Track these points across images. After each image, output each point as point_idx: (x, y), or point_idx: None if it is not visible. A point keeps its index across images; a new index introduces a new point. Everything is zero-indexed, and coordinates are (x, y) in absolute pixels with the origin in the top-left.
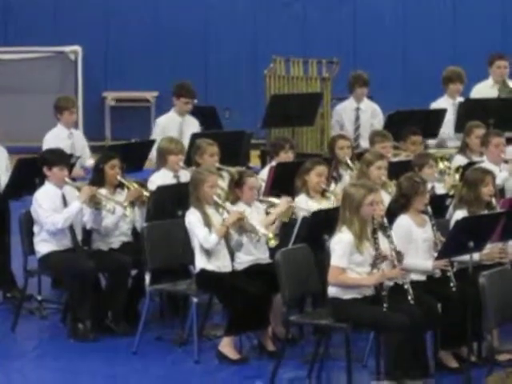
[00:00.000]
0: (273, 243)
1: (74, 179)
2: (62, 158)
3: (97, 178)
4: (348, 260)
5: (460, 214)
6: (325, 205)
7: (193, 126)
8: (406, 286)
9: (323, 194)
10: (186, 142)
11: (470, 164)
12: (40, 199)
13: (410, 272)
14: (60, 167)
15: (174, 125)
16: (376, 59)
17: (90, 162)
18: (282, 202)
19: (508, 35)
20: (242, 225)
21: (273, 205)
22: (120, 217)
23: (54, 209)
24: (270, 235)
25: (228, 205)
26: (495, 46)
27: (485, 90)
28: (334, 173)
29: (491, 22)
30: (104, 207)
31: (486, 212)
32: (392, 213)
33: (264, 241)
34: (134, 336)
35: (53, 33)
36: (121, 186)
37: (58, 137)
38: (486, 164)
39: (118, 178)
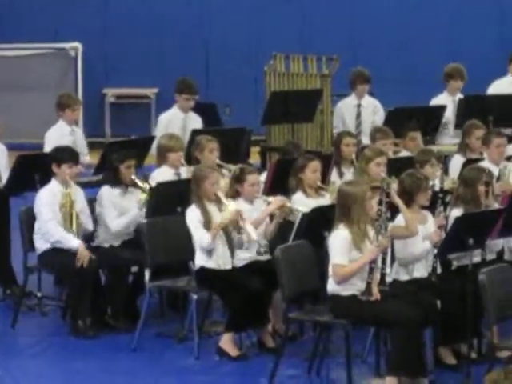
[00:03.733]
0: (262, 253)
1: None
2: (71, 156)
3: (111, 176)
4: (347, 257)
5: (456, 212)
6: (322, 202)
7: (196, 122)
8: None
9: (318, 190)
10: (187, 139)
11: (469, 162)
12: (44, 197)
13: (410, 264)
14: (69, 164)
15: (177, 121)
16: (375, 56)
17: (86, 158)
18: (274, 201)
19: (505, 32)
20: (238, 224)
21: (269, 203)
22: (135, 218)
23: (54, 209)
24: (261, 249)
25: (229, 201)
26: (493, 43)
27: (504, 86)
28: (336, 169)
29: (489, 18)
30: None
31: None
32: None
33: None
34: (134, 332)
35: (53, 29)
36: (134, 185)
37: (61, 133)
38: (486, 163)
39: (133, 177)
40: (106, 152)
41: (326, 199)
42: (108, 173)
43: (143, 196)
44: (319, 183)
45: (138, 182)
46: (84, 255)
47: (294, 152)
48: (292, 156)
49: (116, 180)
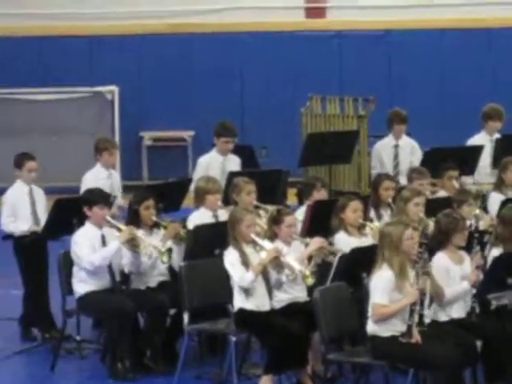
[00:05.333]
0: (310, 281)
1: (112, 217)
2: (102, 198)
3: (132, 219)
4: (388, 298)
5: (496, 251)
6: (364, 241)
7: (234, 164)
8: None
9: (361, 229)
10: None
11: (508, 200)
12: (79, 240)
13: (450, 305)
14: (100, 206)
15: (216, 164)
16: (411, 96)
17: (120, 201)
18: (312, 242)
19: None
20: (278, 262)
21: (307, 244)
22: (157, 259)
23: (92, 248)
24: (307, 272)
25: (266, 242)
26: None
27: None
28: (374, 211)
29: None
30: (142, 250)
31: None
32: (429, 250)
33: (301, 279)
34: (173, 375)
35: (89, 73)
36: (157, 226)
37: (98, 177)
38: None
39: (153, 218)
40: None
41: (368, 239)
42: (129, 216)
43: (167, 233)
44: (361, 221)
45: (159, 221)
46: (130, 230)
47: (316, 183)
48: (315, 188)
49: (136, 222)
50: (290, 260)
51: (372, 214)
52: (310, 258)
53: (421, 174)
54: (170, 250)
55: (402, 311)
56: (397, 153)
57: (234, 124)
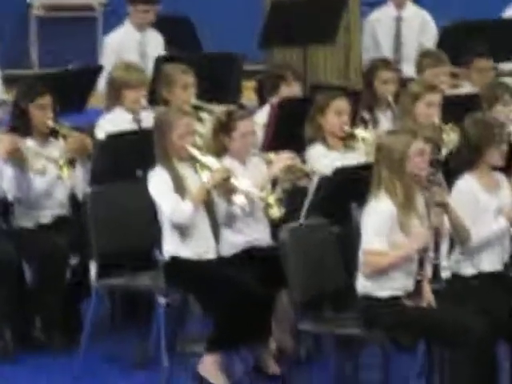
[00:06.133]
0: (275, 213)
1: None
2: None
3: (18, 122)
4: (387, 240)
5: None
6: (351, 158)
7: (158, 44)
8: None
9: (347, 141)
10: (149, 68)
11: None
12: None
13: (479, 252)
14: None
15: (132, 44)
16: None
17: (2, 98)
18: (279, 158)
19: None
20: (229, 187)
21: (270, 162)
22: (54, 179)
23: None
24: (271, 200)
25: (210, 159)
26: None
27: None
28: (366, 115)
29: None
30: (31, 166)
31: None
32: (450, 171)
33: (262, 211)
34: (75, 353)
35: None
36: (54, 134)
37: None
38: None
39: (50, 122)
40: None
41: (358, 154)
42: (13, 118)
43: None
44: (347, 128)
45: (58, 128)
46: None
47: (286, 73)
48: (283, 80)
49: (26, 127)
50: (245, 184)
51: (365, 117)
52: (274, 182)
53: (437, 60)
54: (72, 162)
55: (408, 261)
56: (399, 29)
57: None
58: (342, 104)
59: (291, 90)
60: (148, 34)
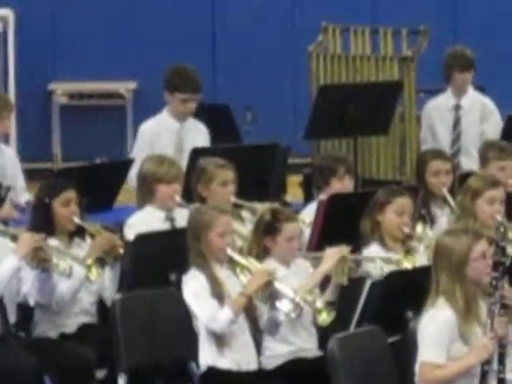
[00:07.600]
0: (324, 318)
1: (4, 222)
2: None
3: (41, 220)
4: (447, 352)
5: None
6: (410, 262)
7: (199, 135)
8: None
9: (406, 242)
10: (185, 161)
11: None
12: None
13: None
14: None
15: (169, 134)
16: (484, 27)
17: (25, 196)
18: (328, 255)
19: None
20: (272, 292)
21: (318, 260)
22: (80, 282)
23: None
24: (319, 304)
25: (251, 261)
26: None
27: None
28: (422, 211)
29: None
30: (55, 267)
31: None
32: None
33: (309, 317)
34: None
35: None
36: (80, 233)
37: None
38: None
39: (75, 218)
40: None
41: (417, 257)
42: (35, 215)
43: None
44: (407, 230)
45: (85, 226)
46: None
47: (338, 167)
48: (335, 174)
49: (49, 225)
50: (290, 287)
51: (421, 213)
52: (326, 281)
53: (502, 153)
54: (101, 262)
55: (469, 374)
56: (458, 118)
57: (202, 73)
58: (404, 202)
59: (343, 184)
60: (188, 124)
